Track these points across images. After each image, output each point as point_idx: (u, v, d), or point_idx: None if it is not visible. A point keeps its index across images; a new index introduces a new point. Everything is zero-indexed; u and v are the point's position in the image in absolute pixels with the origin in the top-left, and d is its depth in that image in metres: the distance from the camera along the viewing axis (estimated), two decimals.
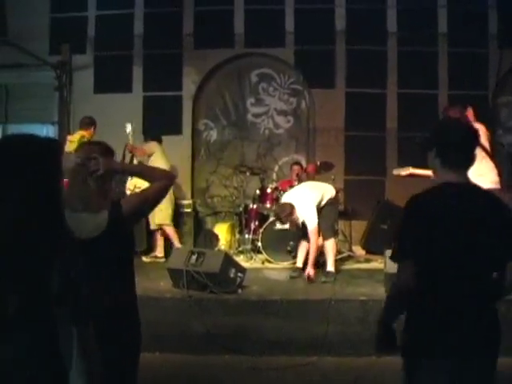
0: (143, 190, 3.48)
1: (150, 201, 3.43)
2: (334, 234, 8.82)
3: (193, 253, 7.35)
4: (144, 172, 3.65)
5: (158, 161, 9.27)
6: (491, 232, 2.90)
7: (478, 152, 3.21)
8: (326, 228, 8.40)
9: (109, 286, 3.17)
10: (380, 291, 7.16)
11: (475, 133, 3.11)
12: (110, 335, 3.10)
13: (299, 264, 8.48)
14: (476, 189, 3.06)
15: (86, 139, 9.21)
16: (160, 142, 10.06)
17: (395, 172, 8.32)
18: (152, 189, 3.39)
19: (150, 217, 9.13)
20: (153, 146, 9.83)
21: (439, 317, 2.91)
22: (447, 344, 2.88)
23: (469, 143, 3.06)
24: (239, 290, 7.19)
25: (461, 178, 3.00)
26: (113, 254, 3.21)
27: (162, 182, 3.40)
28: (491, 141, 7.66)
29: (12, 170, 2.38)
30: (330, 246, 8.38)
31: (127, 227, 3.33)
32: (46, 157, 2.51)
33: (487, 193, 3.10)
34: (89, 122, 9.58)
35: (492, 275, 2.97)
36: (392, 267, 6.93)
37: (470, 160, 3.03)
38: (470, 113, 7.70)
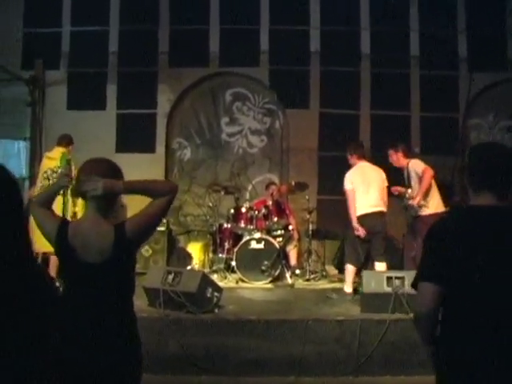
0: (145, 208, 3.24)
1: (154, 221, 3.29)
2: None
3: (169, 272, 7.31)
4: (148, 189, 3.32)
5: None
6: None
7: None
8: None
9: (112, 310, 3.16)
10: (356, 311, 7.22)
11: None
12: (115, 357, 3.09)
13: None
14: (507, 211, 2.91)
15: (68, 156, 9.15)
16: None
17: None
18: (155, 205, 3.21)
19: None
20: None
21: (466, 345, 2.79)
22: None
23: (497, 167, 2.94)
24: (216, 310, 7.16)
25: (489, 202, 2.89)
26: (117, 278, 3.18)
27: (164, 196, 3.21)
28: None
29: None
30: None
31: (132, 251, 3.25)
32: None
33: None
34: (67, 139, 9.47)
35: None
36: (368, 287, 7.03)
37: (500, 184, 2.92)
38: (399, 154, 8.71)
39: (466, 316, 2.79)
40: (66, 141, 9.41)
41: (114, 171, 3.33)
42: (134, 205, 3.75)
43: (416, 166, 8.49)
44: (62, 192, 3.68)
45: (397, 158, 8.75)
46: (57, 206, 6.58)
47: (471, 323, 2.77)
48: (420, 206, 8.35)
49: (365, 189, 8.46)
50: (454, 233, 2.86)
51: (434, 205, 8.42)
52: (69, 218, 7.38)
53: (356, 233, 8.32)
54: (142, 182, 3.35)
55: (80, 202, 8.08)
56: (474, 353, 2.73)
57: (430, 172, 8.32)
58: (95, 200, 3.23)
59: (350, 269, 8.48)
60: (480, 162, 2.97)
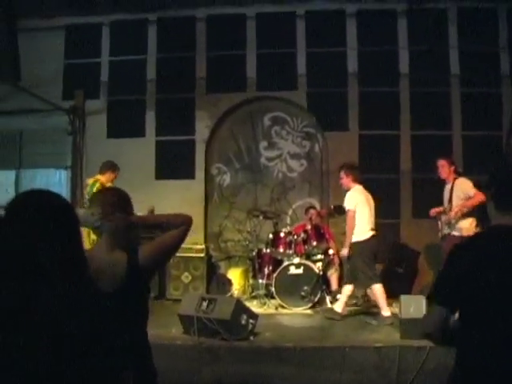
0: (160, 237, 3.25)
1: (167, 250, 3.27)
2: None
3: (204, 299, 7.25)
4: (160, 222, 3.39)
5: None
6: None
7: None
8: None
9: (122, 338, 3.09)
10: (395, 337, 7.00)
11: None
12: None
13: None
14: None
15: (99, 183, 9.19)
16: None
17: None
18: (170, 235, 3.22)
19: None
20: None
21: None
22: None
23: None
24: (251, 337, 7.05)
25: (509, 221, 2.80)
26: (129, 306, 3.11)
27: (179, 228, 3.23)
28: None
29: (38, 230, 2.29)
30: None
31: (145, 278, 3.20)
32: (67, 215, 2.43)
33: None
34: (106, 166, 9.51)
35: None
36: (407, 313, 6.82)
37: None
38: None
39: (481, 334, 2.72)
40: (103, 168, 9.48)
41: (124, 201, 3.32)
42: None
43: (466, 186, 8.34)
44: None
45: (449, 171, 8.64)
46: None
47: (487, 342, 2.69)
48: (455, 219, 8.20)
49: (369, 211, 8.56)
50: (475, 252, 2.79)
51: (466, 228, 8.22)
52: (88, 246, 7.41)
53: (343, 254, 8.58)
54: (154, 216, 3.34)
55: None
56: (490, 370, 2.66)
57: (481, 197, 8.08)
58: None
59: (377, 289, 8.35)
60: (505, 181, 2.88)
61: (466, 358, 2.78)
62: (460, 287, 2.75)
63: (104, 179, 9.36)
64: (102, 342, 2.94)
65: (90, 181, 9.44)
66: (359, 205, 8.45)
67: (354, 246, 8.46)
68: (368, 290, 9.24)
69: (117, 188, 3.45)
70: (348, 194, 8.60)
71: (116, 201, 3.28)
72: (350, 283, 8.53)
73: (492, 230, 2.91)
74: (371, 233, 8.48)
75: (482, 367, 2.68)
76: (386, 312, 8.20)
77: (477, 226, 8.42)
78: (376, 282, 8.35)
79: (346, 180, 8.72)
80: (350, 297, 9.09)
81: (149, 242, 3.28)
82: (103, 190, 3.44)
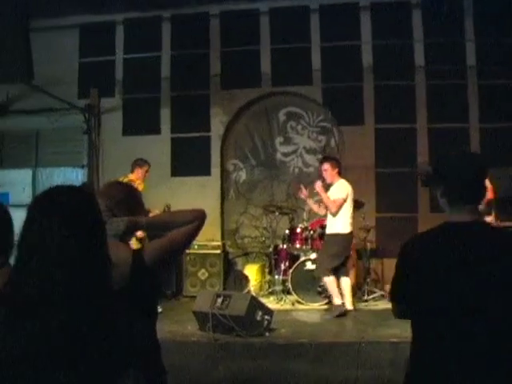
0: (169, 235, 3.06)
1: (176, 248, 3.13)
2: None
3: (218, 296, 7.24)
4: (168, 222, 3.16)
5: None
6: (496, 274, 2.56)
7: None
8: None
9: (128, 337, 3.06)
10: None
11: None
12: None
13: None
14: (482, 228, 2.73)
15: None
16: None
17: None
18: (179, 233, 3.04)
19: None
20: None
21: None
22: None
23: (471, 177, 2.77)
24: (266, 333, 7.03)
25: (463, 217, 2.70)
26: (136, 304, 3.08)
27: (191, 224, 3.05)
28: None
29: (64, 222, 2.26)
30: None
31: (151, 277, 3.09)
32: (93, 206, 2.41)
33: (498, 232, 2.77)
34: (134, 164, 9.50)
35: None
36: None
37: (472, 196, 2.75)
38: None
39: (431, 336, 2.68)
40: (132, 166, 9.49)
41: (132, 198, 3.27)
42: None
43: None
44: None
45: None
46: None
47: (436, 344, 2.64)
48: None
49: (352, 206, 8.76)
50: (422, 251, 2.71)
51: None
52: None
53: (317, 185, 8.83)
54: (163, 216, 3.23)
55: None
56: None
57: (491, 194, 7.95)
58: None
59: (328, 280, 8.56)
60: (454, 174, 2.77)
61: (418, 360, 2.75)
62: (407, 286, 2.72)
63: (134, 177, 9.36)
64: (107, 340, 2.92)
65: (120, 180, 9.43)
66: (348, 197, 8.58)
67: (332, 237, 8.59)
68: (386, 285, 9.19)
69: (126, 184, 3.35)
70: (338, 184, 8.71)
71: (122, 198, 3.19)
72: (343, 276, 8.73)
73: (441, 226, 2.77)
74: (351, 228, 8.64)
75: (432, 368, 2.63)
76: (337, 301, 8.43)
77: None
78: (329, 276, 8.49)
79: (331, 172, 8.77)
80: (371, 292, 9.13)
81: (157, 239, 3.20)
82: (110, 184, 3.34)
